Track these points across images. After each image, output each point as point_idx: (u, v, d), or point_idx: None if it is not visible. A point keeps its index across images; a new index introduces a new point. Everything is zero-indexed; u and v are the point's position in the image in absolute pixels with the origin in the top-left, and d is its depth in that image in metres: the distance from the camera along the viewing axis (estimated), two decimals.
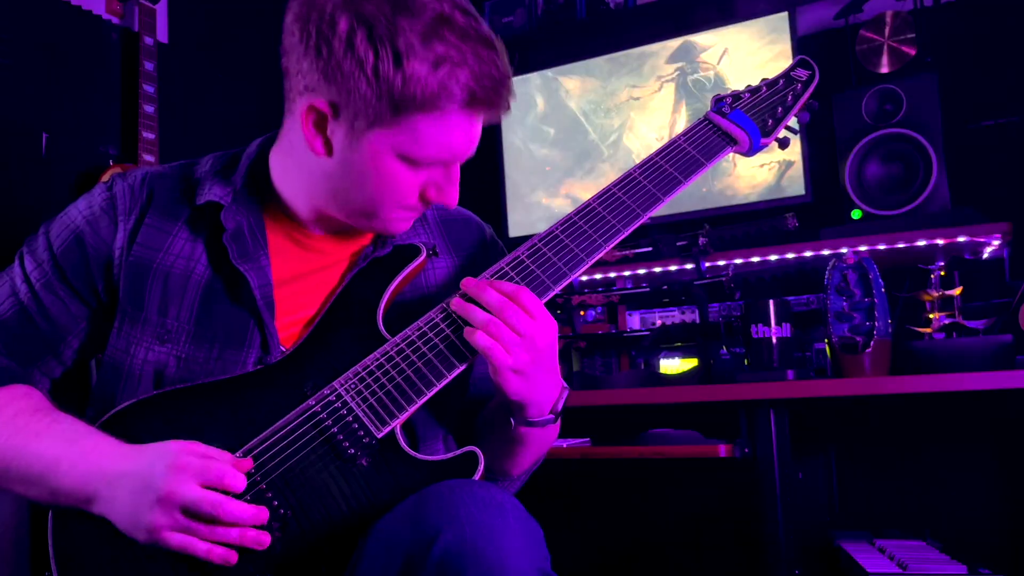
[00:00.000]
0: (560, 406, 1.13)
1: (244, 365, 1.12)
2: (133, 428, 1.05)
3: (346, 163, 1.08)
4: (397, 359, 1.08)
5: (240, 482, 0.99)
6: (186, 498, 0.96)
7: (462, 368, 1.08)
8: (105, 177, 2.28)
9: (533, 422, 1.11)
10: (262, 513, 0.99)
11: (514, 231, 2.93)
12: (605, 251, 1.14)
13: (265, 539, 0.99)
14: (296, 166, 1.15)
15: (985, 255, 2.21)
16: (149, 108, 2.42)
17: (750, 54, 2.61)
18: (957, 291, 2.03)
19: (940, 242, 2.11)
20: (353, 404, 1.06)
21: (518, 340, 1.04)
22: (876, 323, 1.92)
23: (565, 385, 1.15)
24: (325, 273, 1.19)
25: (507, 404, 1.11)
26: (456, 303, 1.09)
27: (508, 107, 1.09)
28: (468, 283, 1.09)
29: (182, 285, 1.14)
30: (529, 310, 1.06)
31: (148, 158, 2.40)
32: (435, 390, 1.07)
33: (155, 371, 1.11)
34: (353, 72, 1.01)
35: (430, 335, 1.09)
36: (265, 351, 1.12)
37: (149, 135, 2.41)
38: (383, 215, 1.12)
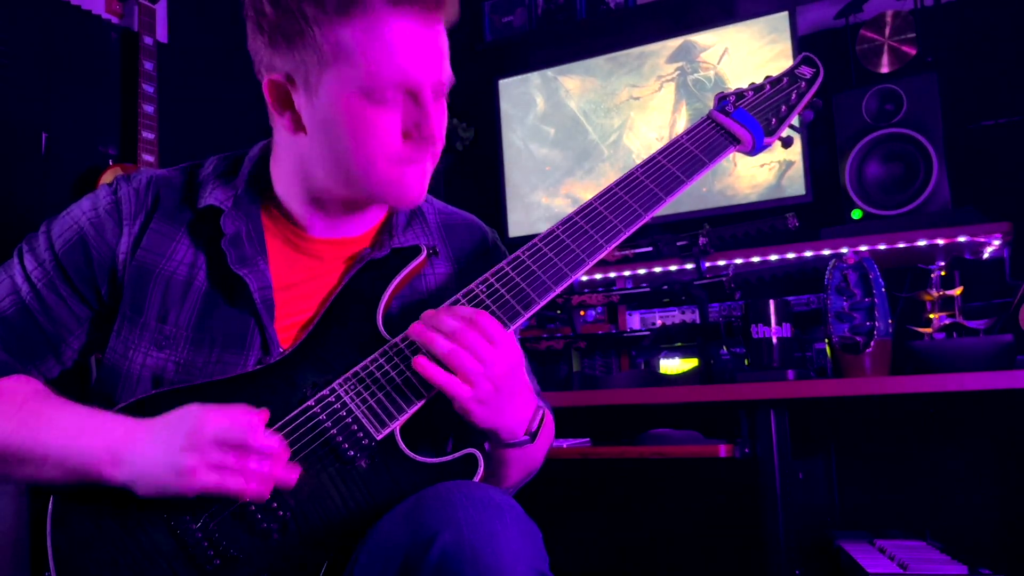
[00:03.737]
0: (536, 426, 1.10)
1: (244, 368, 1.11)
2: None
3: (318, 127, 1.07)
4: (397, 360, 1.08)
5: (261, 422, 0.99)
6: (216, 428, 0.97)
7: None
8: (105, 177, 2.29)
9: (508, 444, 1.09)
10: (285, 448, 1.00)
11: (514, 231, 2.93)
12: (606, 252, 1.13)
13: (293, 475, 1.00)
14: (288, 161, 1.15)
15: (985, 255, 2.21)
16: (149, 108, 2.42)
17: (750, 54, 2.61)
18: (957, 291, 2.03)
19: (940, 242, 2.11)
20: (352, 405, 1.06)
21: (480, 369, 1.01)
22: (876, 323, 1.92)
23: (541, 404, 1.13)
24: (324, 278, 1.18)
25: (475, 432, 1.08)
26: (416, 329, 1.05)
27: (448, 9, 1.07)
28: (425, 314, 1.06)
29: (183, 292, 1.14)
30: (489, 335, 1.03)
31: (148, 158, 2.40)
32: (435, 392, 1.06)
33: (153, 375, 1.11)
34: (288, 27, 1.03)
35: None
36: (265, 352, 1.12)
37: (149, 135, 2.41)
38: (382, 174, 1.08)
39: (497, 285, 1.10)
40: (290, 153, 1.14)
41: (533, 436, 1.11)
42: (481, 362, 1.01)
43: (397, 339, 1.09)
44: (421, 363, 1.03)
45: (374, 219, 1.23)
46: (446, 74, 1.09)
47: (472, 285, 1.11)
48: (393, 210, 1.24)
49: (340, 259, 1.20)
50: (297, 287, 1.17)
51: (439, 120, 1.10)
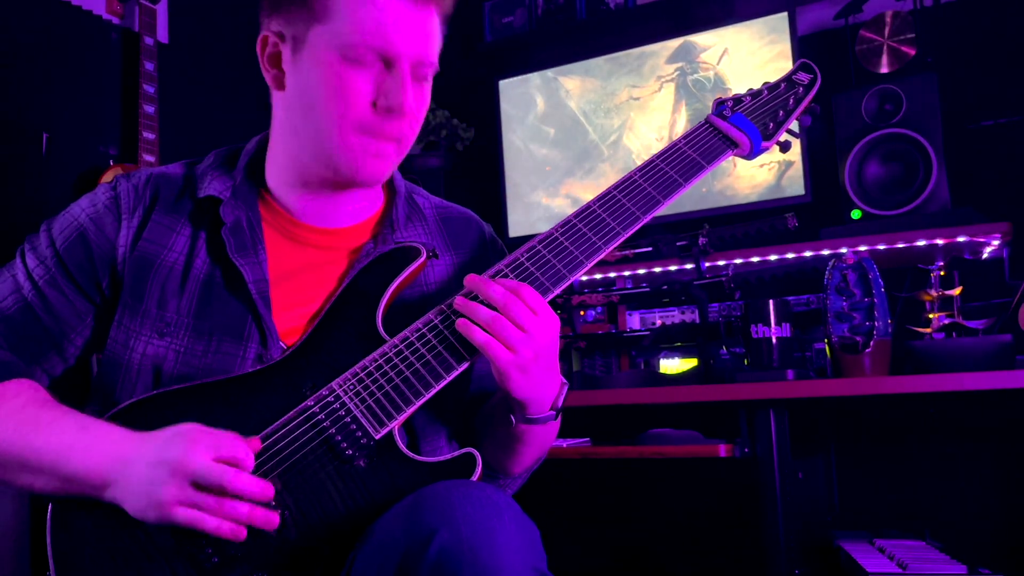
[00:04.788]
0: (560, 403, 1.13)
1: (243, 359, 1.12)
2: (130, 427, 1.05)
3: (297, 84, 1.12)
4: (396, 360, 1.08)
5: (250, 458, 0.99)
6: (197, 467, 0.96)
7: (460, 370, 1.08)
8: (106, 177, 2.29)
9: (534, 419, 1.11)
10: (268, 489, 0.99)
11: (514, 231, 2.93)
12: (605, 253, 1.14)
13: (274, 519, 1.00)
14: (278, 133, 1.19)
15: (985, 255, 2.21)
16: (149, 108, 2.42)
17: (750, 54, 2.61)
18: (957, 291, 2.03)
19: (940, 242, 2.11)
20: (351, 405, 1.06)
21: (522, 336, 1.04)
22: (876, 323, 1.92)
23: (564, 381, 1.15)
24: (323, 269, 1.19)
25: (508, 401, 1.11)
26: (459, 301, 1.08)
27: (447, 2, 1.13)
28: (472, 279, 1.09)
29: (182, 280, 1.15)
30: (532, 306, 1.06)
31: (148, 158, 2.40)
32: (433, 391, 1.07)
33: (154, 365, 1.12)
34: None
35: (429, 336, 1.09)
36: (264, 345, 1.13)
37: (149, 135, 2.41)
38: (344, 139, 1.10)
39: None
40: (279, 123, 1.18)
41: (558, 412, 1.13)
42: (523, 330, 1.04)
43: (395, 339, 1.10)
44: (464, 325, 1.06)
45: (365, 210, 1.24)
46: (429, 55, 1.12)
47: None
48: (391, 201, 1.26)
49: (340, 251, 1.21)
50: (295, 277, 1.18)
51: (411, 97, 1.11)
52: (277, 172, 1.21)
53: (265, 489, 0.99)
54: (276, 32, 1.13)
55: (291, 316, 1.16)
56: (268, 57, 1.15)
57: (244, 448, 0.99)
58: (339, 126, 1.10)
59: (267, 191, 1.22)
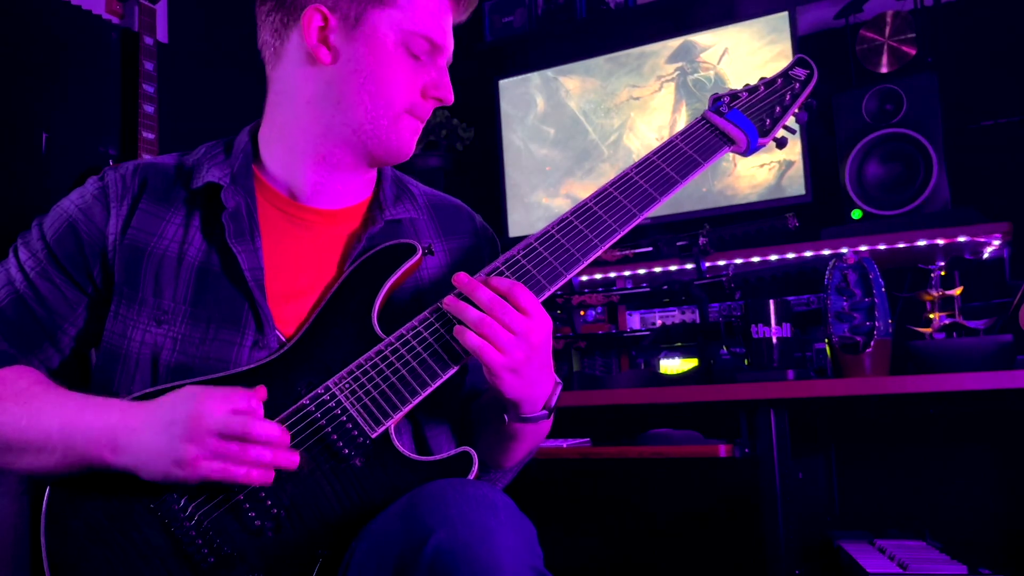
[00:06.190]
0: (553, 401, 1.13)
1: (240, 346, 1.12)
2: None
3: (349, 60, 1.15)
4: (392, 358, 1.08)
5: (260, 407, 1.00)
6: (216, 419, 0.97)
7: (456, 368, 1.08)
8: None
9: (527, 418, 1.11)
10: (285, 433, 1.00)
11: (514, 231, 2.93)
12: (601, 251, 1.14)
13: (296, 459, 1.00)
14: (290, 115, 1.19)
15: (985, 255, 2.21)
16: (149, 108, 2.42)
17: (750, 54, 2.61)
18: (957, 291, 2.03)
19: (940, 242, 2.11)
20: (347, 403, 1.06)
21: (512, 339, 1.04)
22: (876, 323, 1.92)
23: (558, 380, 1.15)
24: (319, 255, 1.20)
25: (501, 401, 1.10)
26: (449, 301, 1.08)
27: (470, 6, 1.23)
28: (461, 279, 1.08)
29: (177, 267, 1.15)
30: (523, 307, 1.05)
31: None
32: (430, 390, 1.07)
33: (152, 353, 1.12)
34: None
35: (425, 334, 1.09)
36: (260, 332, 1.13)
37: (149, 135, 2.41)
38: (392, 120, 1.16)
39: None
40: (299, 104, 1.18)
41: (551, 411, 1.13)
42: (513, 332, 1.04)
43: (391, 337, 1.10)
44: (459, 330, 1.06)
45: (361, 192, 1.25)
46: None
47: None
48: (379, 185, 1.27)
49: (336, 234, 1.21)
50: (291, 263, 1.18)
51: (450, 83, 1.21)
52: (285, 149, 1.21)
53: (283, 433, 1.00)
54: (329, 6, 1.15)
55: (288, 304, 1.16)
56: (316, 30, 1.15)
57: (254, 398, 1.00)
58: (393, 107, 1.16)
59: (263, 172, 1.22)
